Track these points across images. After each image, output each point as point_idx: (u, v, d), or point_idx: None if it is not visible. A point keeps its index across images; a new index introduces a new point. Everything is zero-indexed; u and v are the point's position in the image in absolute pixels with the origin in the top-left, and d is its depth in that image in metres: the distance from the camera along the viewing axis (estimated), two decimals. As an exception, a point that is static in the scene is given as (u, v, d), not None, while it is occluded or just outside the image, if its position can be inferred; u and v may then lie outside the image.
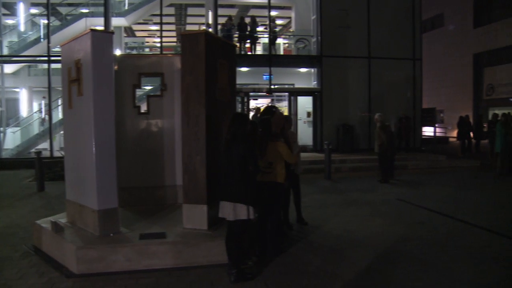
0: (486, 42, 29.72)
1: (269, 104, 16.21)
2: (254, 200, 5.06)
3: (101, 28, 17.22)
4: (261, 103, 21.21)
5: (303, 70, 20.64)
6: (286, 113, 17.23)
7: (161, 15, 19.68)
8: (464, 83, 31.65)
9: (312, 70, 19.84)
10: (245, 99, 18.67)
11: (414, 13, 19.78)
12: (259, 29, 19.91)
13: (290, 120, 7.59)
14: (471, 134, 20.56)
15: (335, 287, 5.00)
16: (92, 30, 5.65)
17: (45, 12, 18.91)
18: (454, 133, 24.51)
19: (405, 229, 7.48)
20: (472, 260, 5.85)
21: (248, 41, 19.83)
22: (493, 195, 10.55)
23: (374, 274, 5.40)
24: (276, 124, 6.06)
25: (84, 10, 21.23)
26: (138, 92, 8.61)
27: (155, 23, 27.68)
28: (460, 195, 10.52)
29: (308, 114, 19.29)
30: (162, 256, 5.51)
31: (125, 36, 25.81)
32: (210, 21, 19.72)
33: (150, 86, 18.00)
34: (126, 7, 22.12)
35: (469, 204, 9.51)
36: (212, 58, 6.10)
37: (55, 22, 21.29)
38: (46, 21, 18.84)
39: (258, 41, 19.98)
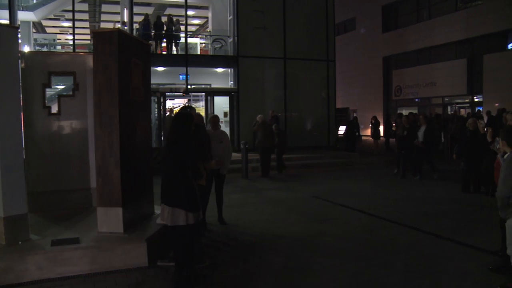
0: (393, 46, 31.58)
1: (186, 104, 16.11)
2: (194, 205, 4.90)
3: (6, 22, 16.18)
4: (178, 103, 21.00)
5: (220, 70, 20.67)
6: (202, 113, 17.15)
7: (73, 11, 18.77)
8: (375, 84, 33.38)
9: (229, 70, 19.93)
10: (162, 99, 18.38)
11: (328, 16, 20.49)
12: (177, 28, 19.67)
13: (217, 120, 7.70)
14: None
15: (254, 284, 5.11)
16: (-6, 25, 5.32)
17: None
18: (367, 132, 25.86)
19: (320, 225, 7.76)
20: (383, 252, 6.21)
21: (165, 40, 19.56)
22: (403, 189, 11.19)
23: (291, 269, 5.58)
24: None
25: (-15, 2, 19.79)
26: (49, 92, 8.22)
27: (67, 19, 26.40)
28: (373, 191, 11.11)
29: (225, 114, 19.31)
30: (77, 262, 5.29)
31: (34, 32, 24.34)
32: (126, 19, 19.19)
33: (63, 85, 17.16)
34: (35, 1, 20.92)
35: (380, 199, 10.04)
36: (126, 57, 5.98)
37: None
38: None
39: (178, 40, 19.72)
